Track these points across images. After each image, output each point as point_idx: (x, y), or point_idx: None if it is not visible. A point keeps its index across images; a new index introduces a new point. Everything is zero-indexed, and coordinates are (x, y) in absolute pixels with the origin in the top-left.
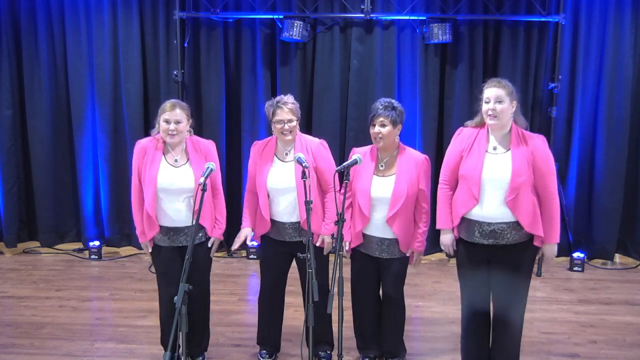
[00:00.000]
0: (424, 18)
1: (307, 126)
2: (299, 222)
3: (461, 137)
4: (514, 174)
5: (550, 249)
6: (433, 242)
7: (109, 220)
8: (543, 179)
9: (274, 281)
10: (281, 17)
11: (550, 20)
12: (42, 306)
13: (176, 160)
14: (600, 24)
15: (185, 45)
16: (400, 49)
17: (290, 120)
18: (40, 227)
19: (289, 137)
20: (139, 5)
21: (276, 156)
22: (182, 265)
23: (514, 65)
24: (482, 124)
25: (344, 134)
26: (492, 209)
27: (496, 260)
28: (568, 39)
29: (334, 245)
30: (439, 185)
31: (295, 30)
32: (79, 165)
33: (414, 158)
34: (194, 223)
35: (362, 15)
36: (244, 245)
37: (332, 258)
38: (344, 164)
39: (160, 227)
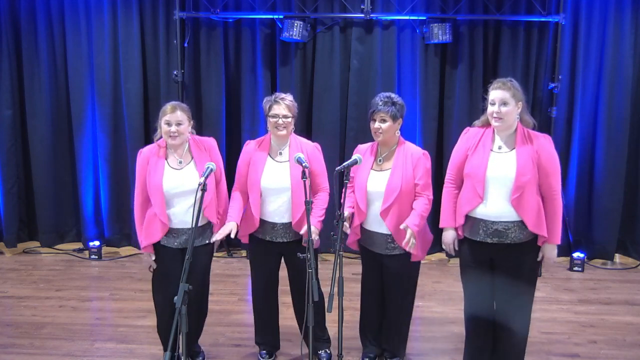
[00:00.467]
0: (424, 18)
1: (307, 126)
2: (290, 223)
3: (467, 137)
4: (519, 172)
5: (551, 249)
6: (433, 242)
7: (109, 220)
8: (547, 178)
9: (265, 281)
10: (281, 17)
11: (550, 20)
12: (42, 306)
13: (180, 162)
14: (600, 24)
15: (185, 45)
16: (400, 49)
17: (285, 116)
18: (40, 227)
19: (283, 133)
20: (139, 5)
21: (270, 156)
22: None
23: (514, 65)
24: (488, 124)
25: (344, 134)
26: (496, 207)
27: (500, 260)
28: (568, 39)
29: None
30: (445, 184)
31: (295, 30)
32: (79, 165)
33: (412, 152)
34: (193, 224)
35: (362, 15)
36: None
37: (331, 258)
38: (344, 163)
39: (170, 228)
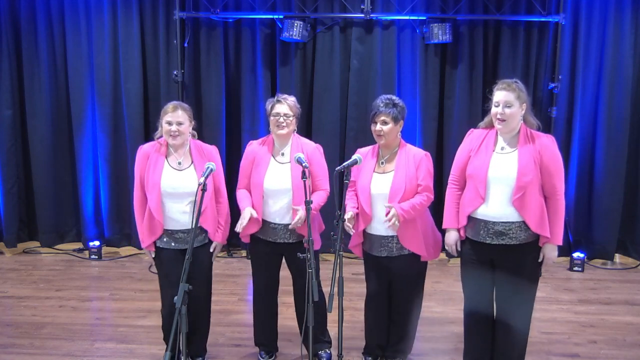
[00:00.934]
0: (424, 18)
1: (307, 126)
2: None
3: (471, 137)
4: (520, 172)
5: (552, 249)
6: None
7: (109, 220)
8: (550, 178)
9: (265, 282)
10: (281, 17)
11: (550, 20)
12: (42, 306)
13: (180, 163)
14: (600, 24)
15: (185, 45)
16: (400, 49)
17: (286, 115)
18: (40, 227)
19: (283, 132)
20: (139, 5)
21: (273, 157)
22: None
23: (514, 65)
24: (492, 125)
25: (344, 134)
26: (497, 208)
27: (501, 261)
28: (568, 39)
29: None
30: (448, 185)
31: (295, 30)
32: (79, 165)
33: (414, 153)
34: (193, 224)
35: (362, 15)
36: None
37: (331, 258)
38: (344, 163)
39: (165, 230)
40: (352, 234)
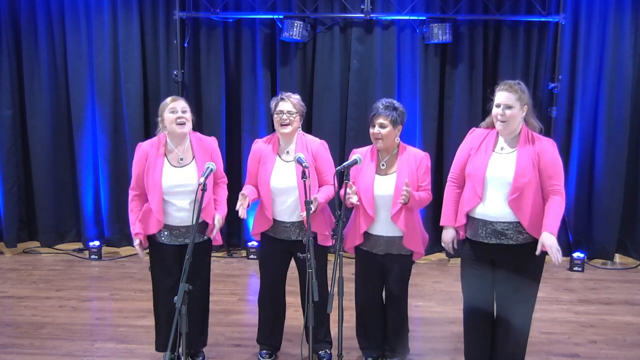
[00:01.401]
0: (424, 18)
1: (307, 126)
2: (300, 222)
3: (472, 137)
4: (517, 173)
5: (547, 237)
6: (433, 242)
7: (109, 220)
8: (550, 180)
9: (273, 280)
10: (281, 17)
11: (550, 20)
12: (42, 306)
13: (181, 159)
14: (600, 24)
15: (185, 45)
16: (400, 49)
17: (290, 112)
18: (40, 227)
19: (287, 130)
20: (139, 5)
21: (278, 155)
22: (182, 261)
23: (514, 65)
24: (493, 125)
25: (344, 134)
26: (494, 207)
27: (500, 261)
28: (568, 39)
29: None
30: (447, 183)
31: (295, 30)
32: (79, 165)
33: (414, 154)
34: (193, 223)
35: (362, 15)
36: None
37: (331, 258)
38: (343, 164)
39: (165, 225)
40: (355, 202)
